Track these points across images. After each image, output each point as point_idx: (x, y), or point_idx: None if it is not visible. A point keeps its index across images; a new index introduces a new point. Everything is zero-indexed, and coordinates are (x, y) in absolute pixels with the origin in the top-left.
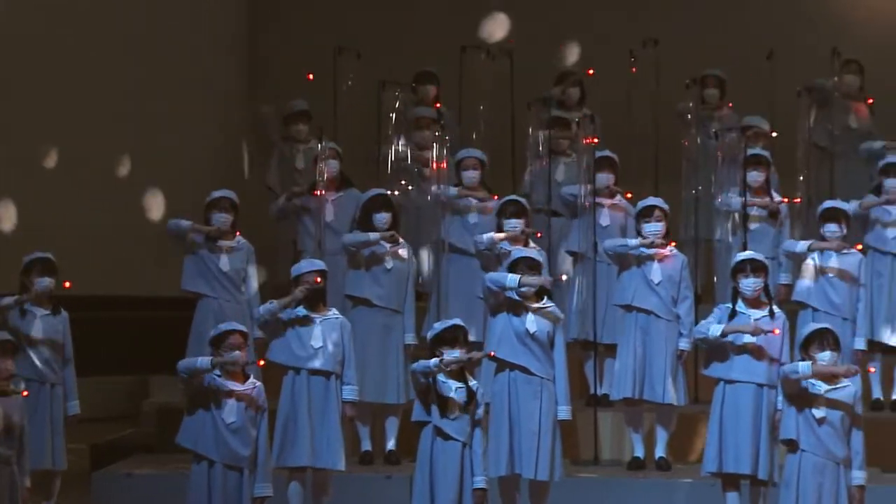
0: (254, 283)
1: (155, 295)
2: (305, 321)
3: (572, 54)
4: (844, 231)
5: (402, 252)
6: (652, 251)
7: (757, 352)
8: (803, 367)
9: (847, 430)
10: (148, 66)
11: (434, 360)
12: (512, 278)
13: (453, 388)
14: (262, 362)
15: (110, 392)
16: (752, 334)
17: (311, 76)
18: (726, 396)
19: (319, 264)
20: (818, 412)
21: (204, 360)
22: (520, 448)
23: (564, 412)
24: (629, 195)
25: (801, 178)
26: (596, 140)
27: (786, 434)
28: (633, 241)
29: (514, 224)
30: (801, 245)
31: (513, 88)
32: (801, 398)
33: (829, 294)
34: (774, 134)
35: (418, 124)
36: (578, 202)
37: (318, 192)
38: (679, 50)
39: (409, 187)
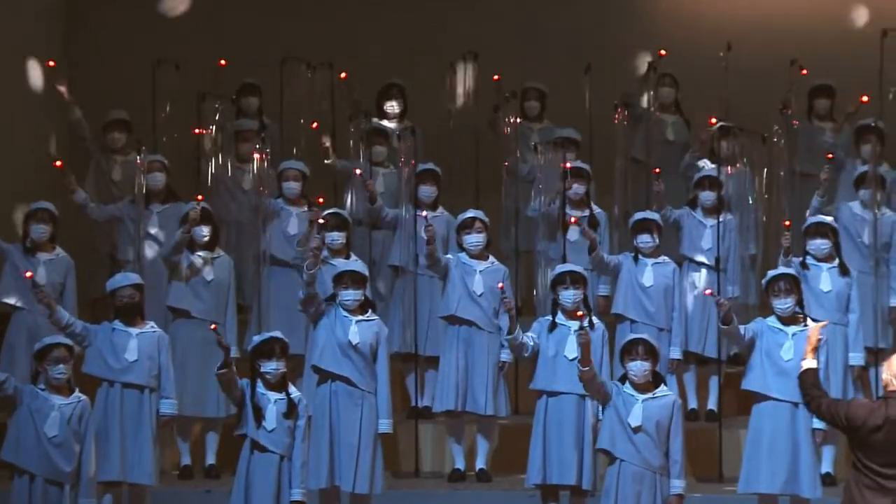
0: (72, 296)
1: None
2: (121, 334)
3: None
4: (657, 241)
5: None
6: (472, 262)
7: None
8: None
9: (664, 438)
10: None
11: None
12: None
13: (272, 400)
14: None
15: None
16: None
17: None
18: (549, 408)
19: (135, 278)
20: (633, 420)
21: None
22: (339, 460)
23: (385, 426)
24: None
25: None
26: None
27: (600, 444)
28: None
29: (336, 237)
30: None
31: (333, 100)
32: (616, 406)
33: (645, 304)
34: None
35: (240, 137)
36: (399, 216)
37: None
38: (499, 62)
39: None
